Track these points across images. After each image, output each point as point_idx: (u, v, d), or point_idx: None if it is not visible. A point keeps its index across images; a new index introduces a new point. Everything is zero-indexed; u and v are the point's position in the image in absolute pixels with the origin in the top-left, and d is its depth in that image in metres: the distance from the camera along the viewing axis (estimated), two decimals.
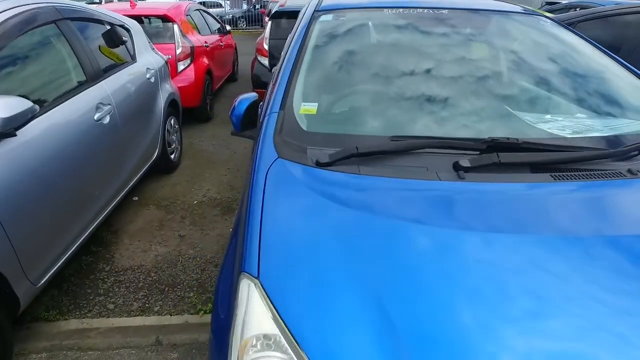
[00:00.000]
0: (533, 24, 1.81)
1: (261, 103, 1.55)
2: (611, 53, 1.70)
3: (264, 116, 1.32)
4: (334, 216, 0.96)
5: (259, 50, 4.13)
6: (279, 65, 1.62)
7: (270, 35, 3.98)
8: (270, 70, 3.69)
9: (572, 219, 0.99)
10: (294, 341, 0.73)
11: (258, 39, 4.48)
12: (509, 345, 0.72)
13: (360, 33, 1.66)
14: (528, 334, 0.73)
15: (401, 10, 1.73)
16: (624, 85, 1.54)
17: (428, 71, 1.48)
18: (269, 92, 1.50)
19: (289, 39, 1.85)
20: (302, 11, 2.00)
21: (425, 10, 1.72)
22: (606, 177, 1.10)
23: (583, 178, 1.10)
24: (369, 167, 1.09)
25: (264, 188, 1.03)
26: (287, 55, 1.53)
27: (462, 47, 1.61)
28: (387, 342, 0.72)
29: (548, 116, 1.39)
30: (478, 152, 1.16)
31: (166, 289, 2.12)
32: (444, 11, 1.74)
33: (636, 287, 0.82)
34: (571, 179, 1.09)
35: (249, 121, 1.46)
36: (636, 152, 1.20)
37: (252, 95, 1.42)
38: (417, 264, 0.85)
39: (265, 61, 3.96)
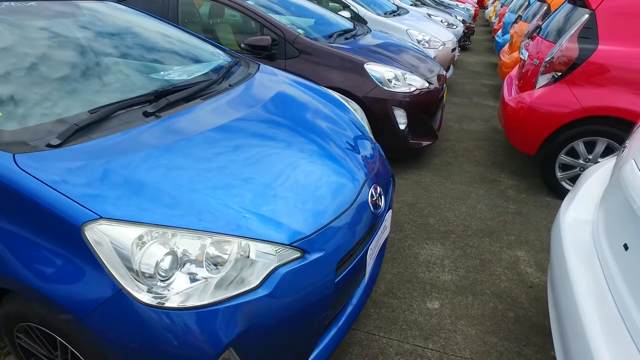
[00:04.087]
0: (113, 8, 2.30)
1: None
2: (171, 22, 2.48)
3: None
4: (103, 162, 1.27)
5: None
6: None
7: None
8: None
9: (223, 113, 1.74)
10: (154, 225, 1.13)
11: None
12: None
13: None
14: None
15: None
16: (194, 43, 2.36)
17: (79, 55, 1.74)
18: None
19: None
20: None
21: (19, 4, 1.84)
22: (224, 90, 1.91)
23: (215, 94, 1.85)
24: (96, 133, 1.39)
25: (32, 175, 1.15)
26: None
27: (85, 33, 1.91)
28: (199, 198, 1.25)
29: (164, 72, 2.02)
30: (152, 102, 1.66)
31: None
32: (32, 3, 1.92)
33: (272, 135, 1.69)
34: (210, 97, 1.82)
35: None
36: (224, 77, 2.06)
37: None
38: (184, 159, 1.36)
39: None
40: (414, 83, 3.40)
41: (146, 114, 1.58)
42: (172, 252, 1.14)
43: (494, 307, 2.16)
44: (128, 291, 1.09)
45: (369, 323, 2.04)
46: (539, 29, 3.73)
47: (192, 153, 1.44)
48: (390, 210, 1.91)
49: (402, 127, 3.36)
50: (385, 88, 3.28)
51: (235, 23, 3.92)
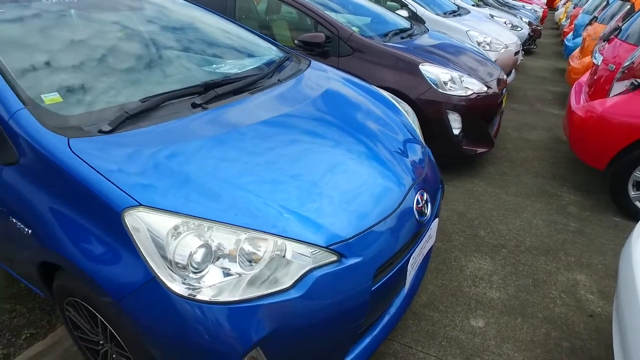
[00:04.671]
0: (171, 1, 2.36)
1: None
2: (226, 16, 2.51)
3: (3, 119, 1.32)
4: (149, 151, 1.29)
5: None
6: None
7: None
8: None
9: (270, 107, 1.72)
10: (191, 216, 1.12)
11: None
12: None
13: (41, 21, 1.71)
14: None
15: None
16: (247, 37, 2.38)
17: (135, 46, 1.80)
18: None
19: None
20: None
21: None
22: (273, 85, 1.89)
23: (263, 88, 1.83)
24: (144, 121, 1.42)
25: (82, 159, 1.19)
26: None
27: (144, 25, 1.98)
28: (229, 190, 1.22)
29: (216, 65, 2.04)
30: (201, 93, 1.67)
31: None
32: None
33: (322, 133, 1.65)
34: (258, 91, 1.81)
35: None
36: (274, 72, 2.05)
37: None
38: (228, 151, 1.36)
39: None
40: (472, 86, 3.23)
41: (194, 105, 1.59)
42: (207, 245, 1.12)
43: (546, 333, 1.98)
44: (161, 279, 1.08)
45: (407, 335, 1.94)
46: (618, 31, 3.40)
47: (235, 146, 1.43)
48: (437, 218, 1.80)
49: (456, 132, 3.20)
50: (440, 90, 3.13)
51: (291, 20, 3.93)
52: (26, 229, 1.32)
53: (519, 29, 7.24)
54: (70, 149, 1.23)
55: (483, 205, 3.11)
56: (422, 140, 2.08)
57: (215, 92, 1.67)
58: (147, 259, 1.09)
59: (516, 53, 5.62)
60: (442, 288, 2.24)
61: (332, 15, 3.49)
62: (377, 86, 2.50)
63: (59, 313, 1.57)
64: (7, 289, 2.19)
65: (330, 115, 1.81)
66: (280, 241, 1.19)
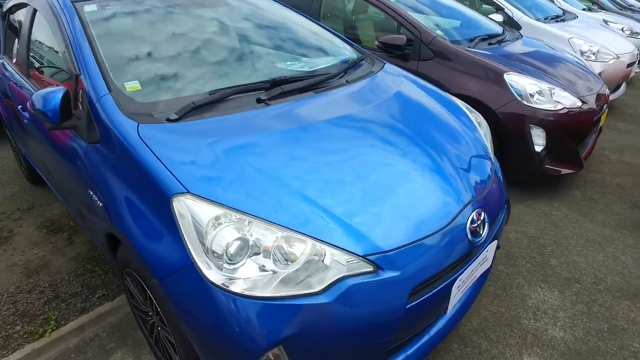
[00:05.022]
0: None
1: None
2: (308, 16, 2.56)
3: (92, 102, 1.49)
4: (207, 141, 1.37)
5: None
6: (68, 57, 1.70)
7: None
8: None
9: (332, 109, 1.72)
10: (233, 209, 1.17)
11: None
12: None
13: (136, 17, 1.91)
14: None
15: None
16: (323, 36, 2.40)
17: (213, 41, 1.94)
18: (75, 82, 1.61)
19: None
20: (40, 4, 2.01)
21: None
22: (339, 86, 1.89)
23: (329, 89, 1.84)
24: (208, 113, 1.51)
25: (145, 143, 1.31)
26: (72, 47, 1.65)
27: (223, 21, 2.11)
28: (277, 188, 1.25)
29: (289, 62, 2.09)
30: (267, 89, 1.73)
31: None
32: None
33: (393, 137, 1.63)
34: (323, 90, 1.82)
35: (64, 113, 1.53)
36: (344, 73, 2.04)
37: (60, 89, 1.51)
38: (282, 149, 1.42)
39: None
40: (563, 100, 2.93)
41: (258, 101, 1.65)
42: (243, 239, 1.16)
43: None
44: (198, 265, 1.15)
45: (448, 359, 1.84)
46: None
47: (292, 143, 1.46)
48: (496, 241, 1.67)
49: (538, 149, 2.93)
50: (525, 103, 2.88)
51: (376, 20, 3.88)
52: (99, 202, 1.48)
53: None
54: (138, 133, 1.35)
55: (560, 232, 2.82)
56: (492, 155, 1.94)
57: (281, 89, 1.72)
58: (188, 244, 1.16)
59: (630, 64, 4.97)
60: (497, 315, 2.09)
61: (418, 17, 3.38)
62: (457, 94, 2.38)
63: (120, 281, 1.75)
64: (90, 252, 2.48)
65: (394, 120, 1.77)
66: (319, 245, 1.19)
